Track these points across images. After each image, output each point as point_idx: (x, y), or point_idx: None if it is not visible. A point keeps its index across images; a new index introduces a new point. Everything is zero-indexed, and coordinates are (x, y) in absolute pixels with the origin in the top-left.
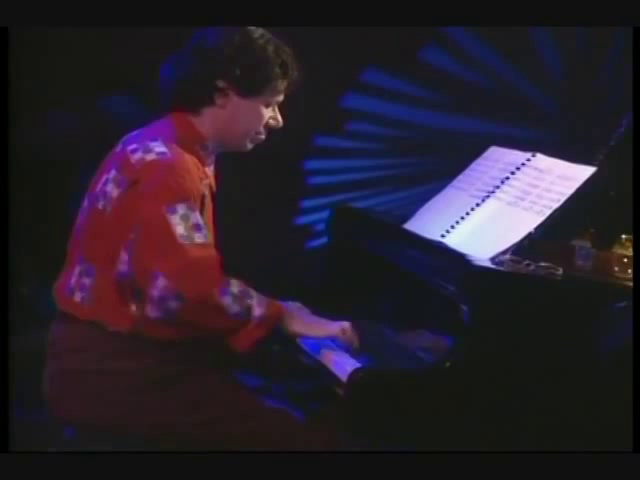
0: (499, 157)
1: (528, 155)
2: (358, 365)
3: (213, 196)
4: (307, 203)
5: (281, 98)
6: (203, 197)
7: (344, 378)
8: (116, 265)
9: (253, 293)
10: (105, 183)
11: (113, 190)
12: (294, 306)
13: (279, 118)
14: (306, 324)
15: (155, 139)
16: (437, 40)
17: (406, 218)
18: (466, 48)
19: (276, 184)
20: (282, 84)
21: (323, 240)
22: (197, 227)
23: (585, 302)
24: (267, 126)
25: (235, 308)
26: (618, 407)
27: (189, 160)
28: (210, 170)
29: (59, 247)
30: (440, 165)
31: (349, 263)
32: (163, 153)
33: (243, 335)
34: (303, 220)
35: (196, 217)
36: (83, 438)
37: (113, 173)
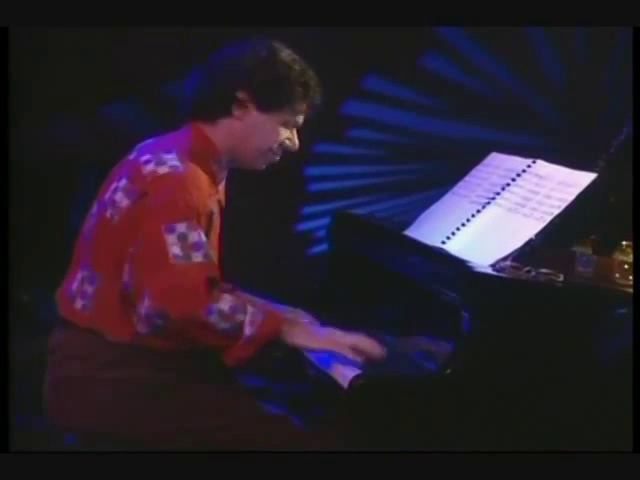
0: (499, 163)
1: (528, 161)
2: (358, 371)
3: (222, 212)
4: (307, 210)
5: (300, 120)
6: (211, 214)
7: (344, 384)
8: (121, 276)
9: (249, 309)
10: (114, 191)
11: (122, 200)
12: (298, 317)
13: (296, 141)
14: (309, 337)
15: (169, 151)
16: (436, 46)
17: (407, 224)
18: (466, 54)
19: (277, 191)
20: (302, 106)
21: (324, 247)
22: (196, 246)
23: (586, 308)
24: (282, 146)
25: (223, 325)
26: (618, 408)
27: (201, 176)
28: (221, 186)
29: (59, 253)
30: (440, 171)
31: (350, 269)
32: (176, 167)
33: (231, 353)
34: (304, 227)
35: (197, 235)
36: (83, 445)
37: (124, 182)
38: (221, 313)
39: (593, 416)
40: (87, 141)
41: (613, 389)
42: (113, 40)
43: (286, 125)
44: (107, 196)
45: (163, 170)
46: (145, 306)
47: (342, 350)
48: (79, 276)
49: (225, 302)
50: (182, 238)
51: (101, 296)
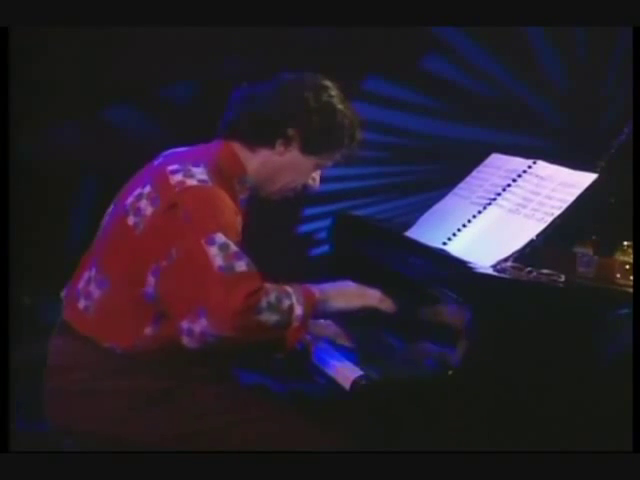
0: (500, 164)
1: (529, 162)
2: (360, 372)
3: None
4: (309, 211)
5: (330, 165)
6: (236, 231)
7: (347, 386)
8: (140, 286)
9: (289, 290)
10: (139, 198)
11: (147, 207)
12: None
13: (318, 180)
14: (345, 297)
15: (197, 165)
16: (437, 48)
17: (408, 226)
18: (466, 56)
19: None
20: (339, 153)
21: (325, 248)
22: (237, 255)
23: (587, 309)
24: (305, 185)
25: (274, 318)
26: (618, 408)
27: (227, 195)
28: (241, 209)
29: (60, 254)
30: (441, 173)
31: (351, 271)
32: (204, 181)
33: (290, 338)
34: (305, 228)
35: (234, 246)
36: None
37: (148, 189)
38: (270, 306)
39: (593, 416)
40: (87, 142)
41: (613, 389)
42: (113, 41)
43: (317, 167)
44: (129, 201)
45: (192, 182)
46: (202, 325)
47: (374, 305)
48: (86, 276)
49: (270, 293)
50: (223, 248)
51: (107, 302)
